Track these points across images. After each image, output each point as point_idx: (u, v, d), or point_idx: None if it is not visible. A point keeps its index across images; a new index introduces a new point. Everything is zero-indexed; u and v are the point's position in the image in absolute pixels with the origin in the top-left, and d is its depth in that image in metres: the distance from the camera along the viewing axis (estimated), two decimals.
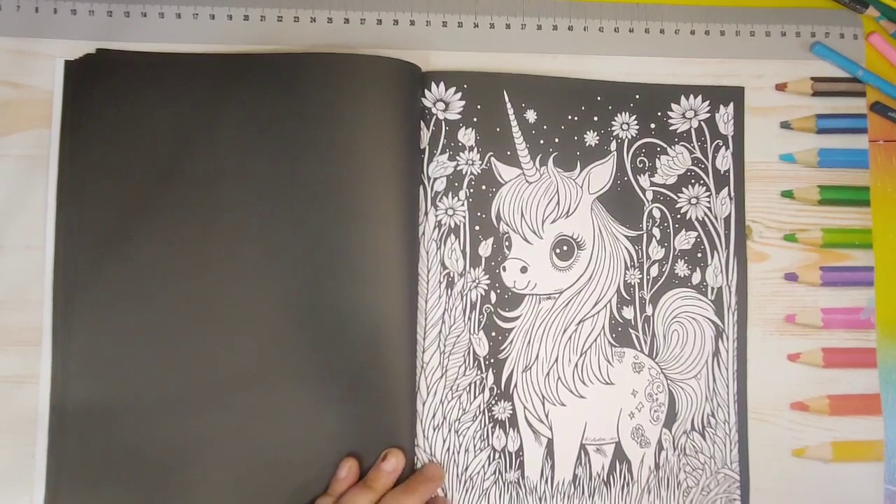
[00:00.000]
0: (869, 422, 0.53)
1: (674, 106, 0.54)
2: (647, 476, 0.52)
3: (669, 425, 0.53)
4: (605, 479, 0.52)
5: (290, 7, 0.53)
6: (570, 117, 0.53)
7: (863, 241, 0.55)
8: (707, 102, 0.54)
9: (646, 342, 0.53)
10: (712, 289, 0.53)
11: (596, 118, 0.53)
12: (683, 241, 0.54)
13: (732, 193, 0.54)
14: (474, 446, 0.51)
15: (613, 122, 0.53)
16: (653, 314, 0.53)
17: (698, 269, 0.53)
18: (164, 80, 0.50)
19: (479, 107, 0.53)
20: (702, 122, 0.54)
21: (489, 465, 0.51)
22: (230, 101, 0.50)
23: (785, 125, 0.55)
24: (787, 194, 0.55)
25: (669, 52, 0.55)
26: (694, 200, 0.54)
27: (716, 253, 0.54)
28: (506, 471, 0.51)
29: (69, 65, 0.51)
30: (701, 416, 0.53)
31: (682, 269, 0.53)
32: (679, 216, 0.54)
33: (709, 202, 0.54)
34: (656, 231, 0.53)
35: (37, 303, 0.49)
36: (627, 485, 0.52)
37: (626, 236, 0.53)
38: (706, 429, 0.53)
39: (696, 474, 0.53)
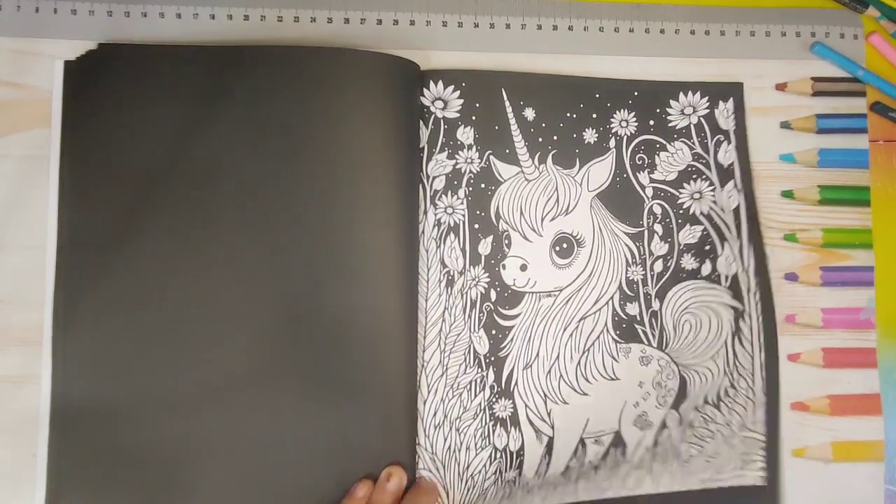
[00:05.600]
0: (869, 422, 0.53)
1: (672, 103, 0.54)
2: (640, 455, 0.52)
3: (677, 406, 0.53)
4: (596, 465, 0.52)
5: (290, 7, 0.53)
6: (568, 115, 0.53)
7: (863, 241, 0.55)
8: (706, 98, 0.54)
9: (654, 336, 0.53)
10: (726, 277, 0.53)
11: (594, 115, 0.53)
12: (689, 235, 0.53)
13: (739, 185, 0.54)
14: (475, 444, 0.51)
15: (612, 120, 0.54)
16: (660, 308, 0.53)
17: (708, 261, 0.53)
18: (163, 79, 0.50)
19: (477, 105, 0.53)
20: (701, 118, 0.54)
21: (490, 464, 0.51)
22: (229, 98, 0.50)
23: (785, 125, 0.55)
24: (787, 194, 0.55)
25: (669, 52, 0.55)
26: (697, 195, 0.54)
27: (726, 244, 0.53)
28: (506, 470, 0.51)
29: (69, 64, 0.51)
30: (717, 392, 0.53)
31: (689, 262, 0.53)
32: (682, 212, 0.54)
33: (713, 196, 0.54)
34: (658, 227, 0.53)
35: (37, 303, 0.49)
36: (618, 465, 0.52)
37: (626, 233, 0.53)
38: (722, 400, 0.52)
39: (702, 443, 0.52)
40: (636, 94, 0.54)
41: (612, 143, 0.53)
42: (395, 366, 0.49)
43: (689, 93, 0.54)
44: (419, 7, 0.54)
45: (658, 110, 0.54)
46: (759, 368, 0.53)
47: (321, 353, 0.49)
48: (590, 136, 0.53)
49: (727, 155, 0.54)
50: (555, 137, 0.53)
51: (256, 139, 0.49)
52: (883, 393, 0.54)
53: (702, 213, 0.54)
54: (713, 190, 0.54)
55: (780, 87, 0.55)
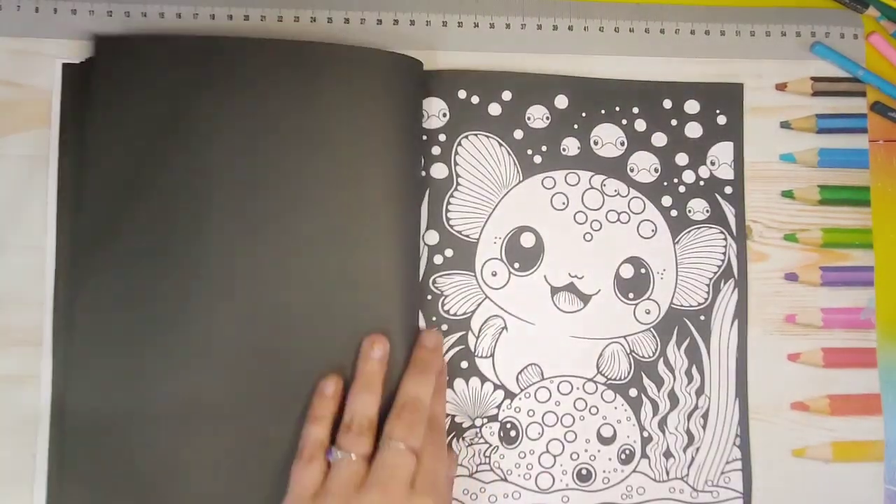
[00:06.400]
0: (869, 422, 0.53)
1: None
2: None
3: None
4: None
5: (290, 7, 0.53)
6: None
7: (863, 241, 0.55)
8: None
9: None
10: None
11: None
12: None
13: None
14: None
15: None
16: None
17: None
18: (162, 78, 0.49)
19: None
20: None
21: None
22: (229, 96, 0.49)
23: (785, 125, 0.55)
24: (787, 194, 0.55)
25: (669, 52, 0.55)
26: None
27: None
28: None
29: (67, 66, 0.50)
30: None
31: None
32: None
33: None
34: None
35: (37, 303, 0.49)
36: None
37: None
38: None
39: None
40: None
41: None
42: (395, 372, 0.48)
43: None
44: (419, 7, 0.54)
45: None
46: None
47: (321, 361, 0.48)
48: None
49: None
50: None
51: (258, 137, 0.49)
52: (883, 393, 0.54)
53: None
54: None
55: (780, 87, 0.55)
